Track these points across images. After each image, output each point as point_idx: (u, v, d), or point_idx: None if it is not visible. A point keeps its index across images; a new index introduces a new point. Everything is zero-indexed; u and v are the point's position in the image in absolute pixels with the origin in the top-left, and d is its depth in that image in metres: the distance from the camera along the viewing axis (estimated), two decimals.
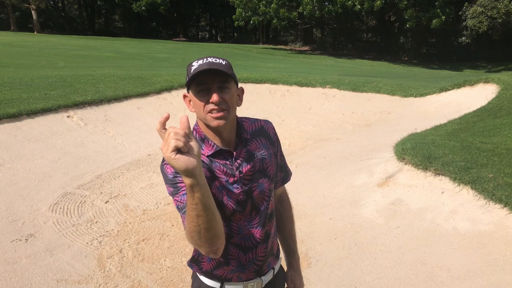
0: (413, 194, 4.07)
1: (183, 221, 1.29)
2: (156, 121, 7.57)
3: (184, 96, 1.41)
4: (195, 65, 1.30)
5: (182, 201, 1.28)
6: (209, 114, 1.30)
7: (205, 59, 1.31)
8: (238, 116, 1.47)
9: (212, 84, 1.29)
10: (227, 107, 1.30)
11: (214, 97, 1.27)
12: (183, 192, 1.27)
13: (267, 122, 1.56)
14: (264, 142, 1.49)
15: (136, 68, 13.43)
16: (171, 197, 1.34)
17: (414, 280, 3.03)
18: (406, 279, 3.05)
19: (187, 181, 1.08)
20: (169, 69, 12.59)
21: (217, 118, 1.30)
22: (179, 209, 1.30)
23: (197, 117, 1.40)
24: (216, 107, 1.28)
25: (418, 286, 2.97)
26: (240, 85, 1.49)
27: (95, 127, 6.74)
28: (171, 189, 1.31)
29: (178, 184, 1.29)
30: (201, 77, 1.28)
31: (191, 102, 1.36)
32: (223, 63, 1.32)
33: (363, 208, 4.12)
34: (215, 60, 1.31)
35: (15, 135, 5.78)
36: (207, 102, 1.29)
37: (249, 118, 1.54)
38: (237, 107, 1.40)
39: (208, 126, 1.35)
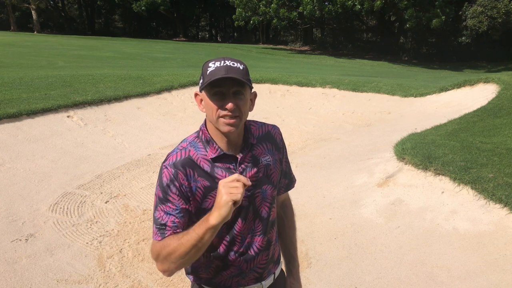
0: (413, 194, 4.07)
1: (153, 232, 1.33)
2: (156, 121, 7.58)
3: (196, 95, 1.38)
4: (212, 66, 1.27)
5: (164, 217, 1.31)
6: (221, 119, 1.28)
7: (222, 62, 1.28)
8: (246, 118, 1.44)
9: (227, 88, 1.27)
10: (240, 114, 1.29)
11: (229, 105, 1.26)
12: (170, 210, 1.31)
13: (274, 127, 1.54)
14: (269, 147, 1.47)
15: (136, 68, 13.43)
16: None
17: (414, 280, 3.03)
18: (406, 279, 3.05)
19: (215, 221, 1.19)
20: (169, 69, 12.59)
21: (228, 125, 1.28)
22: (157, 222, 1.32)
23: (206, 118, 1.38)
24: (229, 113, 1.27)
25: (418, 286, 2.97)
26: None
27: (95, 127, 6.74)
28: (160, 195, 1.33)
29: (168, 198, 1.32)
30: (217, 81, 1.25)
31: (203, 102, 1.34)
32: (241, 67, 1.29)
33: (363, 208, 4.12)
34: (233, 64, 1.28)
35: (15, 135, 5.78)
36: (221, 107, 1.27)
37: (256, 122, 1.51)
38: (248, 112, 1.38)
39: (216, 128, 1.33)
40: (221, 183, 1.20)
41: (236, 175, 1.21)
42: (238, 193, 1.17)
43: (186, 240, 1.23)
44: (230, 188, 1.18)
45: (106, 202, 4.42)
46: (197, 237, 1.21)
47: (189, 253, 1.23)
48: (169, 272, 1.31)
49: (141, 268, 3.28)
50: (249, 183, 1.21)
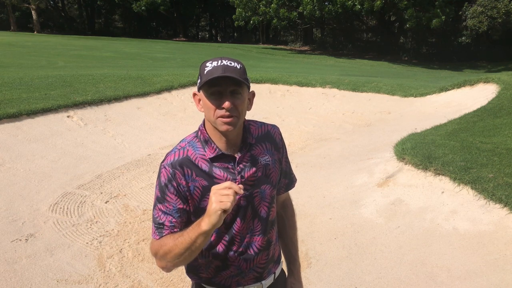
0: (413, 194, 4.07)
1: (152, 230, 1.36)
2: (156, 121, 7.58)
3: (194, 94, 1.39)
4: (209, 66, 1.28)
5: (161, 216, 1.33)
6: (219, 118, 1.29)
7: (219, 61, 1.28)
8: (246, 118, 1.44)
9: (225, 88, 1.27)
10: (237, 113, 1.29)
11: (226, 104, 1.26)
12: (168, 210, 1.33)
13: (274, 127, 1.53)
14: (269, 147, 1.47)
15: (136, 68, 13.43)
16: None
17: (414, 280, 3.03)
18: (406, 279, 3.05)
19: (206, 227, 1.19)
20: (169, 69, 12.59)
21: (226, 124, 1.29)
22: (155, 221, 1.34)
23: (205, 118, 1.39)
24: (227, 113, 1.27)
25: (418, 286, 2.97)
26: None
27: (95, 127, 6.74)
28: (158, 195, 1.35)
29: (166, 197, 1.33)
30: (214, 80, 1.26)
31: (201, 102, 1.35)
32: (238, 67, 1.29)
33: (363, 208, 4.12)
34: (230, 63, 1.28)
35: (15, 135, 5.78)
36: (218, 107, 1.28)
37: (256, 121, 1.51)
38: (246, 111, 1.38)
39: (215, 128, 1.34)
40: (213, 190, 1.20)
41: (228, 183, 1.20)
42: (228, 201, 1.16)
43: (180, 242, 1.24)
44: (221, 196, 1.17)
45: (106, 202, 4.42)
46: (190, 240, 1.22)
47: (183, 254, 1.25)
48: (167, 269, 1.34)
49: (141, 268, 3.28)
50: (241, 192, 1.20)
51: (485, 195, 3.61)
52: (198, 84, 1.32)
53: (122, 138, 6.59)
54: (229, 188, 1.18)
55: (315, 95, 10.00)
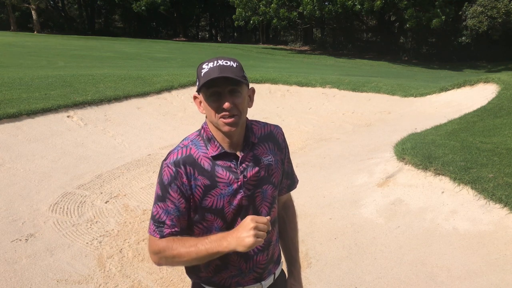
0: (413, 194, 4.07)
1: (150, 228, 1.36)
2: (156, 121, 7.58)
3: (195, 97, 1.39)
4: (206, 68, 1.28)
5: (162, 215, 1.34)
6: (221, 119, 1.29)
7: (215, 62, 1.29)
8: (248, 118, 1.44)
9: (223, 88, 1.27)
10: (238, 112, 1.30)
11: (226, 104, 1.27)
12: (169, 209, 1.33)
13: (277, 127, 1.53)
14: (271, 147, 1.47)
15: (136, 68, 13.43)
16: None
17: (414, 280, 3.03)
18: (406, 279, 3.05)
19: (227, 250, 1.24)
20: (169, 69, 12.59)
21: (228, 124, 1.29)
22: (155, 219, 1.35)
23: (207, 118, 1.39)
24: (227, 112, 1.28)
25: (418, 286, 2.97)
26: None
27: (95, 127, 6.74)
28: (160, 193, 1.34)
29: (168, 196, 1.33)
30: (212, 81, 1.26)
31: (202, 104, 1.35)
32: (234, 65, 1.29)
33: (363, 208, 4.12)
34: (226, 63, 1.29)
35: (15, 135, 5.78)
36: (218, 107, 1.28)
37: (259, 121, 1.51)
38: (248, 109, 1.39)
39: (218, 128, 1.34)
40: (252, 220, 1.23)
41: (267, 218, 1.26)
42: (262, 239, 1.22)
43: (194, 252, 1.27)
44: (259, 232, 1.22)
45: (106, 202, 4.42)
46: (206, 253, 1.26)
47: (191, 262, 1.30)
48: (160, 265, 1.39)
49: (141, 268, 3.28)
50: (269, 228, 1.26)
51: (485, 195, 3.61)
52: (196, 87, 1.33)
53: (122, 138, 6.59)
54: (266, 223, 1.24)
55: (315, 95, 10.00)
